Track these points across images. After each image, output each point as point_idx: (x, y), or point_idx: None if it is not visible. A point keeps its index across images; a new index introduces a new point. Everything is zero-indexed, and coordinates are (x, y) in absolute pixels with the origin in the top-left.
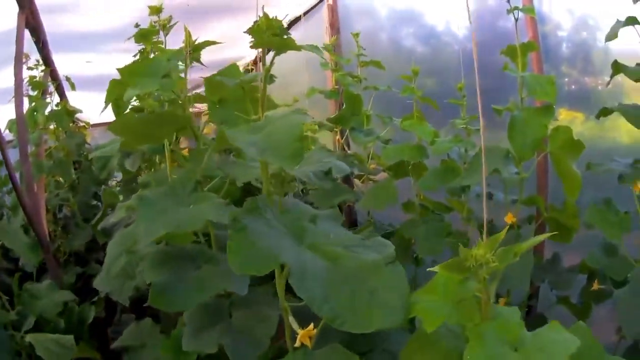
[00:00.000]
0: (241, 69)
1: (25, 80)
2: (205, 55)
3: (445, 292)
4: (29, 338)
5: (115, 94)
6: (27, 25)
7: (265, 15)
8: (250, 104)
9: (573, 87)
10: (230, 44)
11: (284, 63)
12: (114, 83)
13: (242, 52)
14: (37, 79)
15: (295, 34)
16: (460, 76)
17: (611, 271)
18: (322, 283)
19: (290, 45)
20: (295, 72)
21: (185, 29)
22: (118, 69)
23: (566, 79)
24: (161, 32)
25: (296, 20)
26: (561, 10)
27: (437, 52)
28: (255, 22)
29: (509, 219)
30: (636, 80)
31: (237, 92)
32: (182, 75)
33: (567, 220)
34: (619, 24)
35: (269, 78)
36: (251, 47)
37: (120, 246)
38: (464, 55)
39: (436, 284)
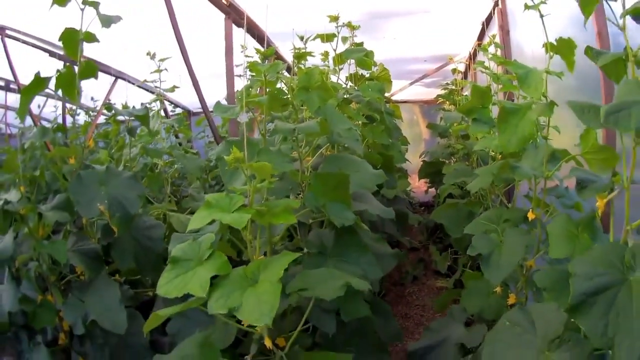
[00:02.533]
0: (457, 63)
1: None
2: (426, 50)
3: None
4: (171, 215)
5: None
6: (239, 26)
7: None
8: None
9: None
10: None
11: None
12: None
13: (458, 49)
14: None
15: None
16: None
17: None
18: None
19: None
20: None
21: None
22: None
23: None
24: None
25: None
26: None
27: None
28: None
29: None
30: None
31: (316, 84)
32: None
33: None
34: None
35: None
36: None
37: None
38: None
39: None
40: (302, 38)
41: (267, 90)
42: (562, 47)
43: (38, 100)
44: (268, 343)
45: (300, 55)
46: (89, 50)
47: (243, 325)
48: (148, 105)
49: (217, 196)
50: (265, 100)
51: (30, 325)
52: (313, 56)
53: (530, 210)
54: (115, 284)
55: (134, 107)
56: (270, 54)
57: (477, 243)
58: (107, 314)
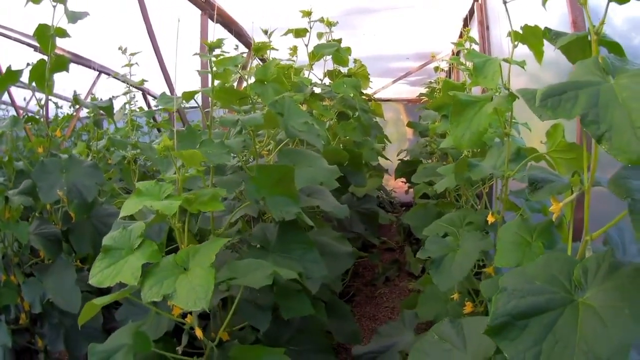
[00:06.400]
0: (440, 62)
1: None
2: (408, 47)
3: None
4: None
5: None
6: (217, 21)
7: None
8: (281, 86)
9: None
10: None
11: None
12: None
13: (440, 47)
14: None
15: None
16: None
17: None
18: None
19: None
20: None
21: None
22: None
23: None
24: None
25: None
26: None
27: None
28: None
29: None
30: None
31: (272, 76)
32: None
33: None
34: None
35: None
36: None
37: None
38: None
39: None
40: (266, 32)
41: (216, 82)
42: (529, 36)
43: (25, 93)
44: (199, 333)
45: (258, 49)
46: (75, 45)
47: (173, 315)
48: (126, 98)
49: (148, 184)
50: (210, 91)
51: None
52: (276, 50)
53: (490, 213)
54: (72, 267)
55: (101, 99)
56: (217, 46)
57: (429, 246)
58: (62, 294)
